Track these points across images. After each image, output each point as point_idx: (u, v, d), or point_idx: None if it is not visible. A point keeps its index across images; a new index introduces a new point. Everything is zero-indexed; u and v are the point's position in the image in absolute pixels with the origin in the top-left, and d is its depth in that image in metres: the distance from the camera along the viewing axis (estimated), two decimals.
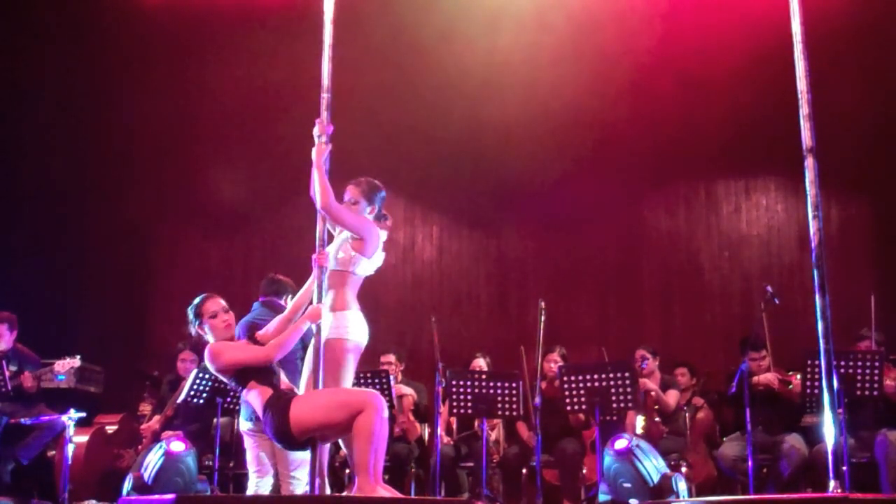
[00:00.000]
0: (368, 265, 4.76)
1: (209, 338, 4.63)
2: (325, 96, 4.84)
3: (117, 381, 8.68)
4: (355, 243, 4.71)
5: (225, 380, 4.62)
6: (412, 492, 7.11)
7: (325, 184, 4.59)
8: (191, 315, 4.67)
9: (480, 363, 7.41)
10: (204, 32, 9.58)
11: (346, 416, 4.32)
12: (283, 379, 4.68)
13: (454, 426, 7.45)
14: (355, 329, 4.67)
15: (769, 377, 6.68)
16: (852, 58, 8.54)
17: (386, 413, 4.38)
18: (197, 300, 4.68)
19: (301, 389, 4.75)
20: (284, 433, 4.40)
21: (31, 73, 9.20)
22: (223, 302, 4.67)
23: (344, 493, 6.31)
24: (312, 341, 4.55)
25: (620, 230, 9.31)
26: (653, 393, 7.02)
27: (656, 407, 7.07)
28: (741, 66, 8.56)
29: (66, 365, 7.24)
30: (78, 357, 7.29)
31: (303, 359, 5.15)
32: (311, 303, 4.59)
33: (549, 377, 7.11)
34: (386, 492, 4.39)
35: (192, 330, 4.69)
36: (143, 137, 9.62)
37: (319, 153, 4.66)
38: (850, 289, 8.15)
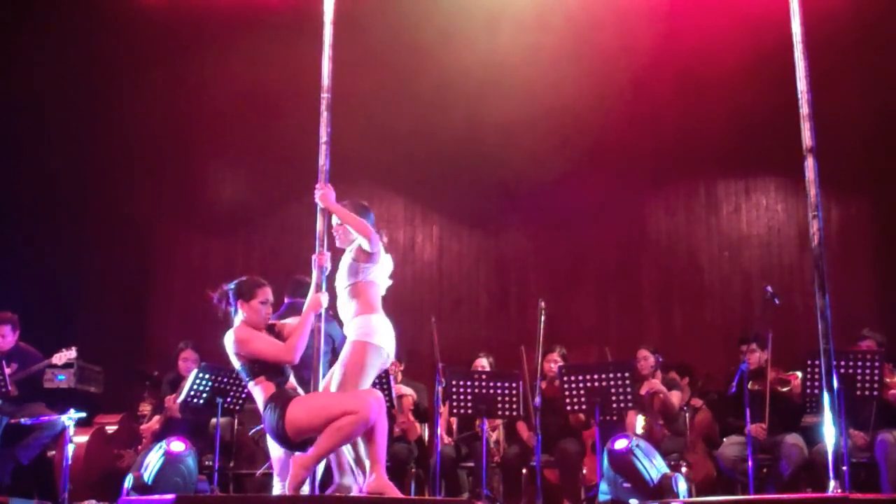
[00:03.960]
0: (379, 271, 4.93)
1: (238, 318, 4.67)
2: (325, 97, 4.86)
3: (117, 381, 8.68)
4: (358, 253, 4.89)
5: (237, 365, 4.64)
6: (412, 492, 7.10)
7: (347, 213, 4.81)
8: (233, 289, 4.71)
9: (483, 363, 7.40)
10: (204, 32, 9.56)
11: (330, 418, 4.39)
12: (292, 380, 4.70)
13: (454, 426, 7.45)
14: (380, 333, 4.84)
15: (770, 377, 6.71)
16: (852, 58, 8.53)
17: (376, 416, 4.43)
18: (248, 280, 4.74)
19: (320, 388, 4.82)
20: (280, 433, 4.47)
21: (30, 72, 9.18)
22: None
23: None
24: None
25: (620, 230, 9.31)
26: (661, 395, 7.01)
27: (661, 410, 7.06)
28: (741, 66, 8.55)
29: (63, 357, 7.29)
30: (74, 349, 7.34)
31: (331, 362, 5.26)
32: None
33: (549, 377, 7.11)
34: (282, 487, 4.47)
35: (223, 303, 4.74)
36: (143, 137, 9.61)
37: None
38: (850, 289, 8.17)
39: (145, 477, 5.99)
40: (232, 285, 4.76)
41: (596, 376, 6.34)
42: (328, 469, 5.63)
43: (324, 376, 4.99)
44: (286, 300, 6.16)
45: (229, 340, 4.62)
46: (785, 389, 6.69)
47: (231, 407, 6.82)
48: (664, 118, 9.11)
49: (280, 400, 4.46)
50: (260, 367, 4.56)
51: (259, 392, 4.56)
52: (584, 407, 6.41)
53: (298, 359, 4.58)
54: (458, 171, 9.28)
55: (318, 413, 4.42)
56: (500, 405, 6.45)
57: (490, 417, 6.58)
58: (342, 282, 4.96)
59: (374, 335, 4.82)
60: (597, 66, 8.75)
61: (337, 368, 4.82)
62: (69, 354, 7.34)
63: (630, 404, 6.42)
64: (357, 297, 4.88)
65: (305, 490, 4.68)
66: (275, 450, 5.16)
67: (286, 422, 4.41)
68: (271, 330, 4.79)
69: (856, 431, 6.43)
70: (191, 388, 6.70)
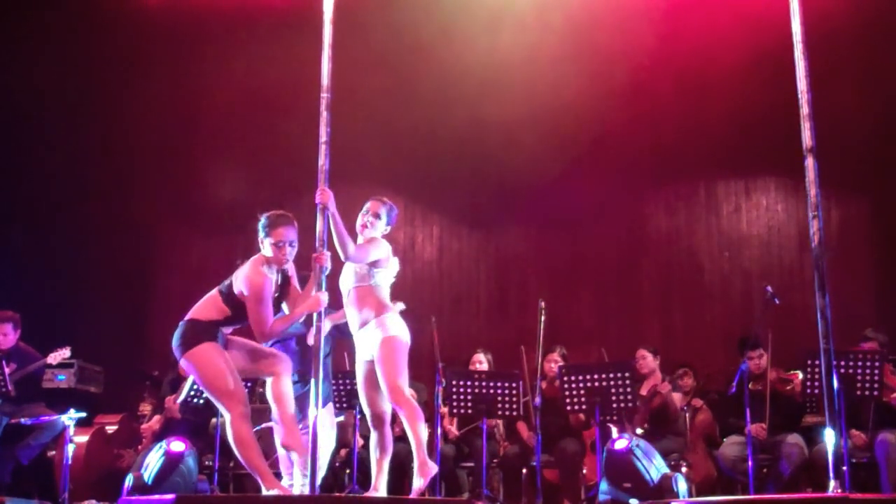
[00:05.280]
0: (386, 273, 5.06)
1: (263, 252, 4.72)
2: (325, 96, 4.86)
3: (117, 381, 8.68)
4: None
5: (234, 285, 4.69)
6: (412, 491, 7.09)
7: (343, 234, 4.80)
8: (262, 224, 4.75)
9: (480, 358, 7.40)
10: (204, 32, 9.57)
11: (213, 392, 4.61)
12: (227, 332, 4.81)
13: (454, 423, 7.44)
14: (401, 328, 5.02)
15: (772, 377, 6.70)
16: (852, 58, 8.53)
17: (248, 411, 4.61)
18: (274, 215, 4.76)
19: (360, 391, 4.99)
20: (176, 350, 4.64)
21: (30, 72, 9.18)
22: (296, 233, 4.75)
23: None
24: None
25: (620, 230, 9.31)
26: (663, 392, 6.98)
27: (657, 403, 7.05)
28: (741, 66, 8.55)
29: (57, 356, 7.30)
30: (68, 348, 7.36)
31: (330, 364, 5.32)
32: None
33: (549, 377, 7.11)
34: (279, 490, 4.56)
35: (258, 232, 4.79)
36: (143, 137, 9.61)
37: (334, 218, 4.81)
38: (850, 289, 8.16)
39: (145, 477, 5.98)
40: (264, 216, 4.80)
41: (596, 376, 6.34)
42: (328, 467, 5.64)
43: (325, 379, 5.03)
44: None
45: (246, 266, 4.68)
46: (788, 388, 6.69)
47: None
48: (664, 118, 9.10)
49: (200, 335, 4.59)
50: (238, 309, 4.63)
51: (208, 305, 4.67)
52: (584, 407, 6.41)
53: (264, 340, 4.68)
54: (459, 170, 9.28)
55: (206, 374, 4.58)
56: (500, 405, 6.45)
57: (490, 417, 6.58)
58: (347, 283, 5.05)
59: (398, 330, 4.98)
60: (597, 66, 8.75)
61: (381, 364, 4.87)
62: (63, 353, 7.36)
63: (630, 404, 6.42)
64: (364, 300, 4.98)
65: (305, 490, 4.69)
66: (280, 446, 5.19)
67: (187, 353, 4.58)
68: (286, 283, 4.81)
69: (856, 431, 6.43)
70: (191, 388, 6.69)
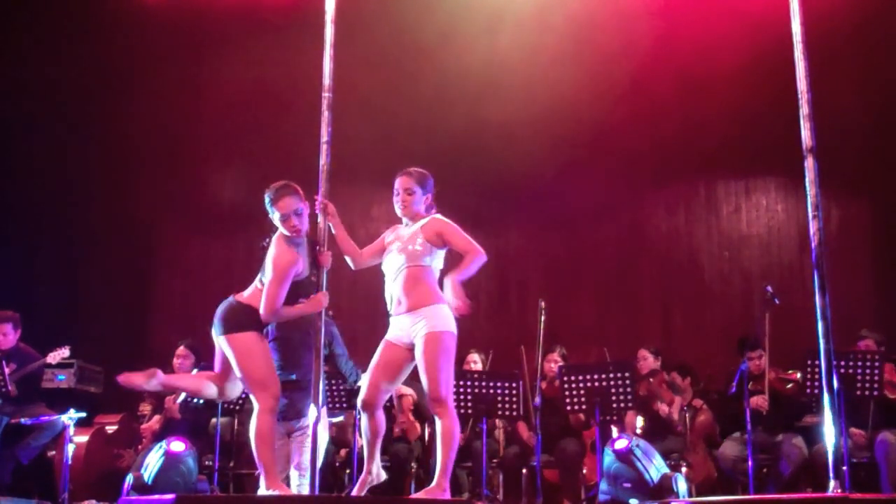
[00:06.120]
0: (441, 256, 4.77)
1: (280, 230, 4.60)
2: (326, 96, 4.86)
3: (117, 381, 8.66)
4: (435, 236, 4.71)
5: (266, 266, 4.58)
6: (412, 492, 7.10)
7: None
8: (267, 201, 4.61)
9: (475, 358, 7.40)
10: (206, 32, 9.56)
11: (248, 380, 4.51)
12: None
13: None
14: (453, 321, 4.66)
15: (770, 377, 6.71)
16: (852, 58, 8.54)
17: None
18: (275, 189, 4.59)
19: (369, 369, 4.72)
20: (219, 324, 4.51)
21: (34, 72, 9.18)
22: (299, 200, 4.57)
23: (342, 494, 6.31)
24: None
25: (620, 230, 9.31)
26: (662, 415, 6.97)
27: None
28: (741, 66, 8.55)
29: (57, 356, 7.30)
30: (67, 347, 7.35)
31: (327, 358, 5.23)
32: None
33: (549, 377, 7.11)
34: (279, 490, 4.48)
35: (268, 212, 4.67)
36: (143, 137, 9.61)
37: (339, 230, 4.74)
38: (850, 289, 8.17)
39: (145, 477, 5.99)
40: (266, 192, 4.63)
41: (596, 376, 6.34)
42: (327, 466, 5.65)
43: (324, 381, 4.97)
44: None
45: (271, 248, 4.56)
46: (789, 387, 6.70)
47: (231, 407, 6.81)
48: (664, 118, 9.10)
49: (249, 323, 4.48)
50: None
51: (256, 293, 4.53)
52: (584, 407, 6.42)
53: (267, 319, 4.55)
54: (459, 170, 9.23)
55: (245, 362, 4.47)
56: (500, 405, 6.45)
57: (490, 417, 6.58)
58: (396, 263, 4.66)
59: (451, 324, 4.64)
60: (597, 66, 8.75)
61: (426, 364, 4.53)
62: (63, 353, 7.36)
63: (630, 404, 6.42)
64: (416, 283, 4.61)
65: (305, 490, 4.69)
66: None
67: (231, 334, 4.47)
68: (314, 250, 4.69)
69: (856, 431, 6.43)
70: None
